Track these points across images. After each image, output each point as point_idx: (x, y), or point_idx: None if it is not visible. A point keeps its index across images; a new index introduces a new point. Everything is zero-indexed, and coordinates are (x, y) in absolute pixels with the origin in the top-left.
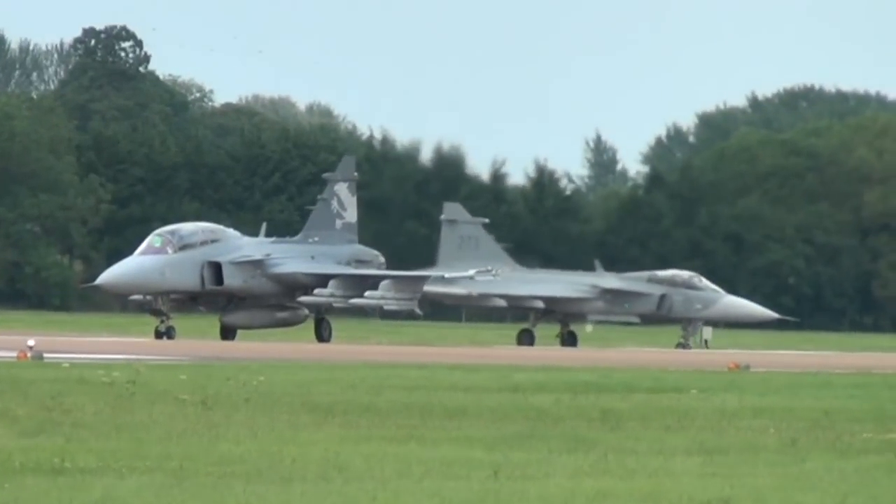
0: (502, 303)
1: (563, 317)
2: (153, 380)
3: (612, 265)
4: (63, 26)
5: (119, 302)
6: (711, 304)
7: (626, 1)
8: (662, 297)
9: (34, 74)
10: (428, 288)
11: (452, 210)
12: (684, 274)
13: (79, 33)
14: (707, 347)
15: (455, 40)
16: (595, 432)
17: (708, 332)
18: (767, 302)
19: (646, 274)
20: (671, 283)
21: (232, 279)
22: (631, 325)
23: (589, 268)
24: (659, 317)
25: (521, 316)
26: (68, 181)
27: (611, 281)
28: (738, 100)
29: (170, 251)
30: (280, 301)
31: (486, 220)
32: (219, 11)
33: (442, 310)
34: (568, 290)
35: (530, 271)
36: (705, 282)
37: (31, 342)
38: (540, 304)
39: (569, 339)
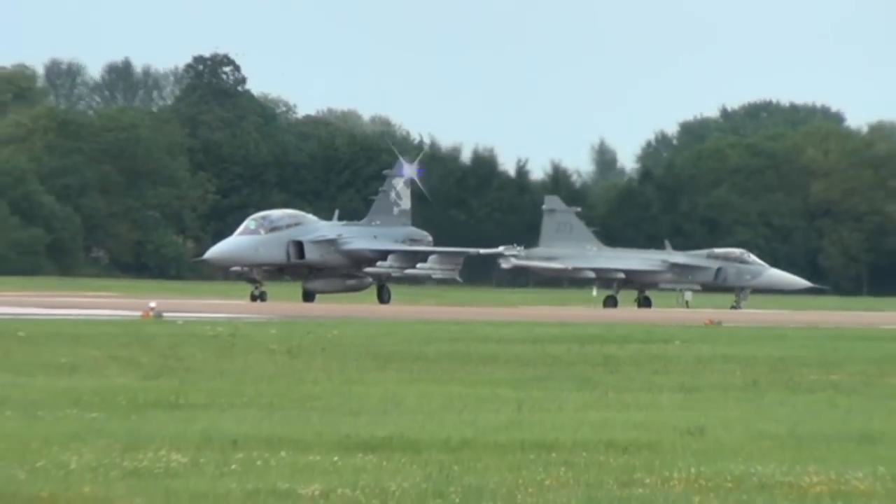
0: (592, 275)
1: (640, 285)
2: (249, 334)
3: (612, 242)
4: (177, 54)
5: (222, 272)
6: (758, 275)
7: (625, 33)
8: (719, 270)
9: (154, 93)
10: (531, 263)
11: (551, 201)
12: (736, 251)
13: (190, 60)
14: (688, 307)
15: (487, 66)
16: (598, 374)
17: (689, 295)
18: None
19: (705, 251)
20: (725, 258)
21: (311, 254)
22: (692, 293)
23: (660, 247)
24: (715, 285)
25: (605, 285)
26: (181, 177)
27: (677, 257)
28: (712, 111)
29: (262, 232)
30: (350, 271)
31: (579, 209)
32: (301, 41)
33: (476, 276)
34: (644, 264)
35: (612, 250)
36: (753, 257)
37: (152, 304)
38: (621, 276)
39: (644, 303)
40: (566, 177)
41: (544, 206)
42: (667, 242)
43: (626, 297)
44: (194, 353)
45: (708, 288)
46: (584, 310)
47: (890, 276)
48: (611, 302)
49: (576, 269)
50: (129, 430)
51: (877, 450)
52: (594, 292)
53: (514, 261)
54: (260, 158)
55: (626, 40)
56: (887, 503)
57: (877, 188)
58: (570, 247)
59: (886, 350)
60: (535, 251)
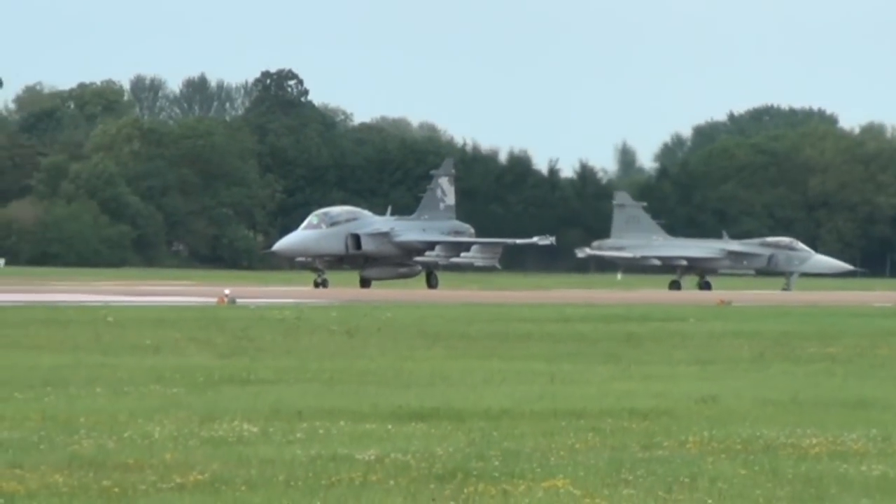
0: (657, 262)
1: (701, 271)
2: (312, 316)
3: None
4: (247, 70)
5: (288, 262)
6: (805, 260)
7: (644, 46)
8: (771, 256)
9: (227, 105)
10: (604, 253)
11: (621, 197)
12: (786, 239)
13: (258, 75)
14: (700, 289)
15: (522, 76)
16: (622, 350)
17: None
18: None
19: (758, 240)
20: (776, 245)
21: (368, 245)
22: (747, 276)
23: (718, 236)
24: (768, 270)
25: (669, 270)
26: (252, 178)
27: (733, 245)
28: (721, 115)
29: (323, 226)
30: (402, 260)
31: (645, 204)
32: (357, 57)
33: (514, 263)
34: (704, 251)
35: (676, 239)
36: (801, 244)
37: (227, 291)
38: (684, 263)
39: (705, 286)
40: (593, 174)
41: (614, 201)
42: (724, 232)
43: (689, 281)
44: (264, 334)
45: (761, 272)
46: (609, 292)
47: (880, 259)
48: (675, 286)
49: (643, 258)
50: (206, 404)
51: (870, 414)
52: (619, 276)
53: (588, 251)
54: (321, 161)
55: (645, 52)
56: (879, 461)
57: (868, 182)
58: (637, 237)
59: (877, 325)
60: (607, 242)
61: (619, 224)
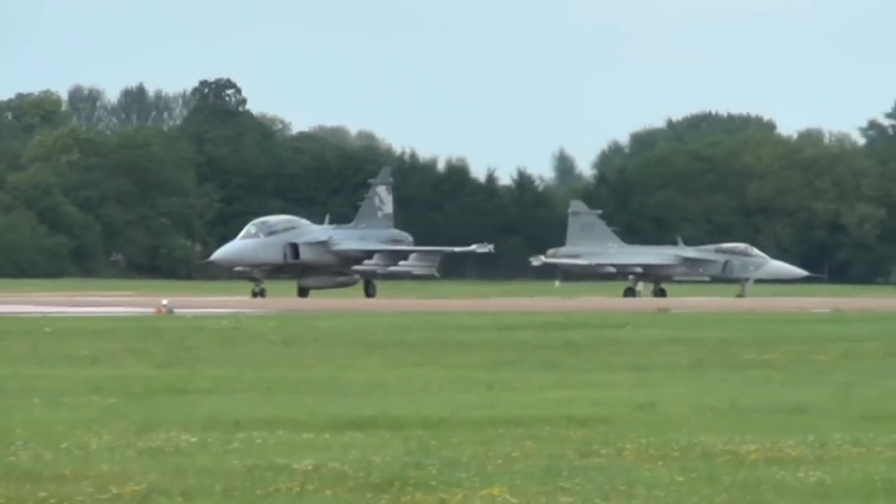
0: (613, 270)
1: (656, 278)
2: (250, 326)
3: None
4: (185, 79)
5: (226, 272)
6: (761, 266)
7: (581, 52)
8: (726, 263)
9: (165, 114)
10: (560, 261)
11: (576, 205)
12: (741, 245)
13: (196, 84)
14: (639, 296)
15: (460, 85)
16: (560, 357)
17: (640, 285)
18: None
19: (713, 246)
20: (731, 252)
21: (306, 254)
22: (703, 283)
23: (672, 243)
24: (723, 277)
25: (623, 277)
26: (189, 188)
27: (689, 251)
28: (659, 122)
29: (261, 236)
30: (340, 269)
31: (600, 212)
32: (294, 66)
33: (453, 271)
34: (659, 259)
35: (631, 247)
36: (756, 250)
37: (164, 301)
38: (639, 270)
39: (660, 293)
40: (530, 182)
41: (570, 210)
42: (679, 239)
43: (645, 288)
44: (201, 344)
45: (716, 279)
46: (547, 299)
47: (818, 265)
48: (630, 294)
49: (598, 265)
50: (143, 414)
51: (807, 420)
52: (556, 284)
53: (544, 259)
54: (259, 170)
55: (582, 60)
56: (816, 468)
57: (805, 188)
58: (593, 245)
59: (814, 331)
60: (562, 250)
61: (574, 232)
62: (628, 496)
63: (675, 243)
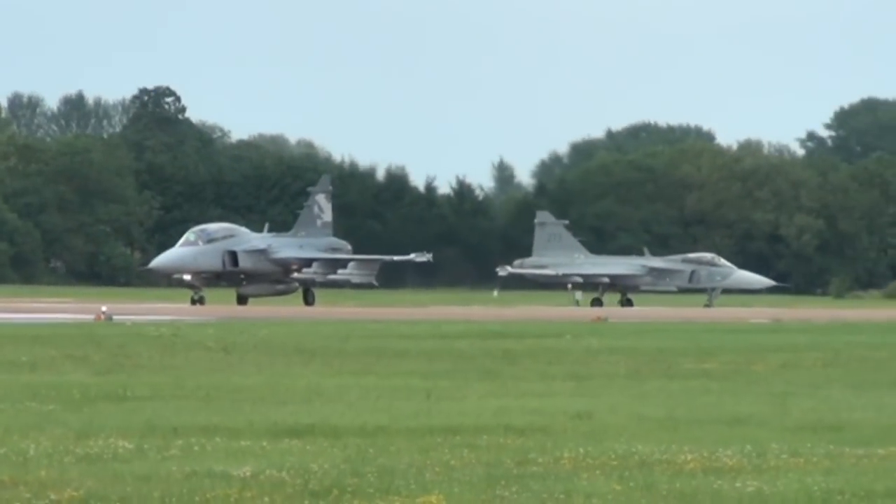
0: (580, 280)
1: (623, 288)
2: (189, 333)
3: (512, 251)
4: (124, 87)
5: (166, 279)
6: (728, 276)
7: (521, 63)
8: (693, 273)
9: (105, 122)
10: (525, 271)
11: (542, 216)
12: (707, 255)
13: (136, 92)
14: (578, 305)
15: (399, 94)
16: (498, 366)
17: (579, 294)
18: None
19: (679, 256)
20: (698, 262)
21: (245, 262)
22: (669, 293)
23: (639, 253)
24: (690, 287)
25: (592, 288)
26: (129, 195)
27: (655, 262)
28: (598, 132)
29: (200, 243)
30: (278, 277)
31: (567, 222)
32: (234, 74)
33: (392, 280)
34: (626, 269)
35: (598, 257)
36: (723, 261)
37: (104, 308)
38: (606, 280)
39: (627, 303)
40: (470, 191)
41: (536, 220)
42: (645, 249)
43: (611, 299)
44: (140, 351)
45: (683, 289)
46: (486, 308)
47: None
48: (597, 304)
49: (565, 276)
50: (82, 421)
51: (745, 430)
52: (495, 293)
53: (510, 269)
54: (198, 178)
55: (522, 69)
56: (753, 477)
57: (745, 198)
58: (559, 255)
59: (753, 341)
60: (529, 260)
61: (540, 242)
62: None
63: (641, 253)
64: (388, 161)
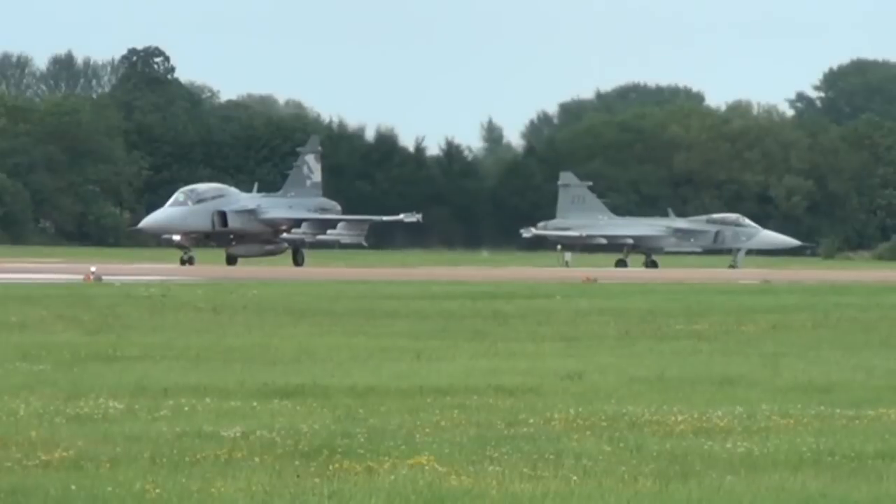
0: (604, 241)
1: (647, 250)
2: (179, 294)
3: (501, 211)
4: (114, 47)
5: (155, 239)
6: (753, 236)
7: (508, 23)
8: (717, 233)
9: (94, 82)
10: (549, 232)
11: (566, 177)
12: (732, 216)
13: (125, 52)
14: (568, 266)
15: (389, 53)
16: (488, 327)
17: (568, 255)
18: None
19: (704, 217)
20: (723, 222)
21: (234, 222)
22: (694, 254)
23: (663, 214)
24: (715, 248)
25: (616, 249)
26: (118, 156)
27: (679, 222)
28: (587, 93)
29: (190, 203)
30: (268, 237)
31: (591, 183)
32: (223, 33)
33: (381, 240)
34: (650, 230)
35: (622, 218)
36: (747, 220)
37: (93, 269)
38: (630, 241)
39: (651, 265)
40: (459, 152)
41: (559, 182)
42: (670, 210)
43: (636, 260)
44: (130, 311)
45: (708, 250)
46: (475, 269)
47: None
48: (621, 265)
49: (589, 237)
50: (72, 381)
51: (735, 391)
52: (485, 253)
53: (534, 231)
54: (187, 138)
55: (511, 29)
56: (744, 438)
57: (734, 159)
58: (583, 217)
59: (742, 302)
60: (552, 222)
61: (564, 204)
62: (556, 465)
63: (665, 214)
64: (378, 121)
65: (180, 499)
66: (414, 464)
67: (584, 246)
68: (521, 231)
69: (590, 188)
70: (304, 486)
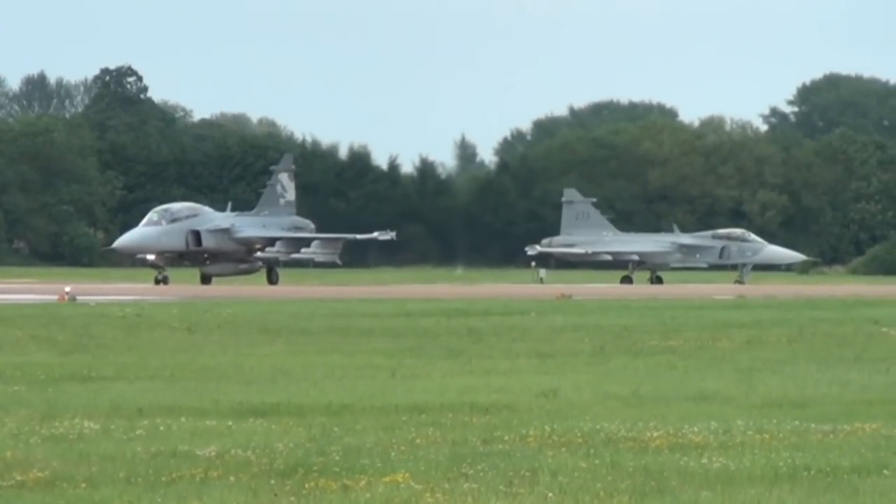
0: (609, 258)
1: (652, 266)
2: (153, 313)
3: (475, 228)
4: (87, 67)
5: (129, 259)
6: (758, 251)
7: (482, 40)
8: (723, 249)
9: (67, 102)
10: (554, 250)
11: (570, 193)
12: (738, 231)
13: (98, 72)
14: (542, 283)
15: (361, 72)
16: (463, 344)
17: (543, 272)
18: None
19: (709, 232)
20: (728, 237)
21: (208, 242)
22: (699, 270)
23: (668, 230)
24: (720, 263)
25: (622, 266)
26: (92, 175)
27: (685, 238)
28: (561, 110)
29: (164, 223)
30: (242, 256)
31: (595, 200)
32: (196, 54)
33: (355, 258)
34: (655, 246)
35: (627, 234)
36: (753, 235)
37: (67, 289)
38: (635, 258)
39: (656, 280)
40: (432, 169)
41: (563, 199)
42: (675, 226)
43: (640, 277)
44: (105, 331)
45: (713, 266)
46: (450, 286)
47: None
48: (626, 281)
49: (594, 253)
50: (47, 401)
51: (710, 407)
52: (459, 271)
53: (539, 248)
54: (161, 158)
55: (484, 46)
56: (719, 454)
57: (707, 174)
58: (587, 233)
59: (717, 317)
60: (557, 239)
61: (568, 220)
62: (532, 482)
63: (670, 230)
64: (351, 139)
65: None
66: (390, 481)
67: (588, 263)
68: (526, 248)
69: (593, 204)
70: None
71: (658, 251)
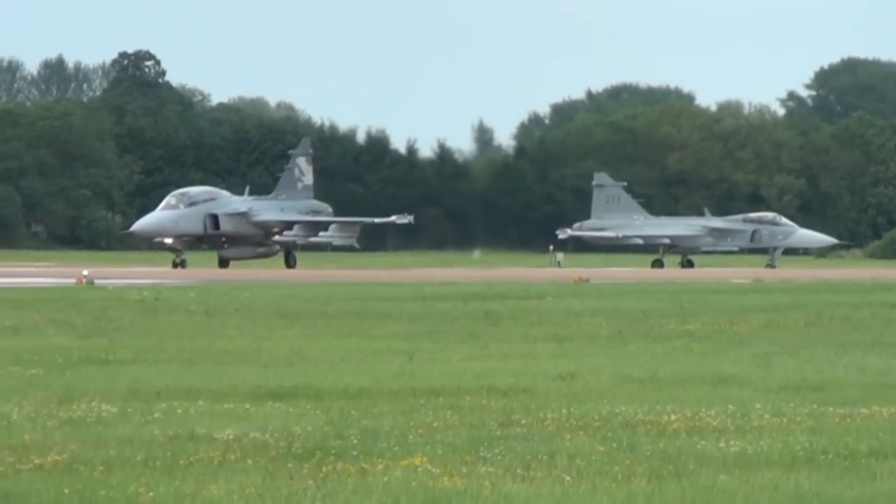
0: (640, 242)
1: (683, 249)
2: (171, 297)
3: (492, 212)
4: (105, 51)
5: (147, 243)
6: (789, 235)
7: (501, 24)
8: (754, 232)
9: (85, 86)
10: (585, 233)
11: (600, 178)
12: (769, 214)
13: (116, 56)
14: (560, 267)
15: (380, 55)
16: (480, 328)
17: (560, 256)
18: None
19: (741, 216)
20: (759, 221)
21: (226, 225)
22: (730, 254)
23: (699, 214)
24: (752, 247)
25: (653, 250)
26: (110, 159)
27: (716, 222)
28: (579, 94)
29: (182, 207)
30: (260, 240)
31: (625, 184)
32: (214, 36)
33: (373, 242)
34: (686, 230)
35: (658, 218)
36: (784, 219)
37: (85, 272)
38: (667, 241)
39: (687, 264)
40: (450, 154)
41: (594, 182)
42: (706, 209)
43: (672, 260)
44: (122, 314)
45: (744, 249)
46: (467, 270)
47: None
48: (658, 265)
49: (625, 237)
50: (65, 384)
51: (727, 390)
52: (476, 254)
53: (570, 232)
54: (179, 142)
55: (502, 30)
56: (737, 437)
57: (725, 159)
58: (618, 217)
59: (734, 301)
60: (587, 223)
61: (598, 204)
62: (549, 466)
63: (701, 213)
64: (369, 123)
65: (174, 502)
66: (407, 465)
67: (619, 247)
68: (557, 232)
69: (624, 188)
70: (297, 489)
71: (689, 234)
